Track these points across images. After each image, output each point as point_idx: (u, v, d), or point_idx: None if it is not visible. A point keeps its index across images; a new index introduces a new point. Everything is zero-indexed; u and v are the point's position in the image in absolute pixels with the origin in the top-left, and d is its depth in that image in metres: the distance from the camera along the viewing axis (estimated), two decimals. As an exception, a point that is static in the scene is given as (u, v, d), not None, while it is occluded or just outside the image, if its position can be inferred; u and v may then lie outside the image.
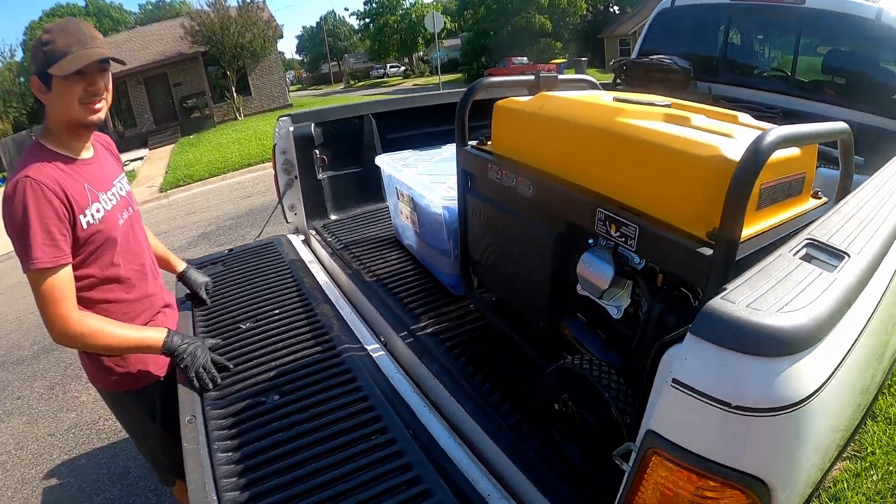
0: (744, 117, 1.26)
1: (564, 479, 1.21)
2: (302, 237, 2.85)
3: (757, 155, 0.83)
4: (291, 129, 2.80)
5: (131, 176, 13.37)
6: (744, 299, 0.71)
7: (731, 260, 0.89)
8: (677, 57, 3.35)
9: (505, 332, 1.68)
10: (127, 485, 2.85)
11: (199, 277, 2.13)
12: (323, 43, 63.64)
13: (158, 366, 1.70)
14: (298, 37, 79.04)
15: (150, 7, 60.96)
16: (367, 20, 48.51)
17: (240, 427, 1.44)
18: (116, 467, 2.99)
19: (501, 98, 1.60)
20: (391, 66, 52.23)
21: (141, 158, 16.58)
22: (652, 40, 3.75)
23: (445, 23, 30.42)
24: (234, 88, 23.05)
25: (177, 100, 22.48)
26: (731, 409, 0.64)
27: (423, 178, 2.11)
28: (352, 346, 1.76)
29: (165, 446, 1.74)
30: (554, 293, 1.40)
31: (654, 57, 3.38)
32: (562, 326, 1.42)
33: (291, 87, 39.77)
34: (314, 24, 75.06)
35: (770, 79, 3.40)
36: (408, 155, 2.48)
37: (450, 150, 2.53)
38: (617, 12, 39.86)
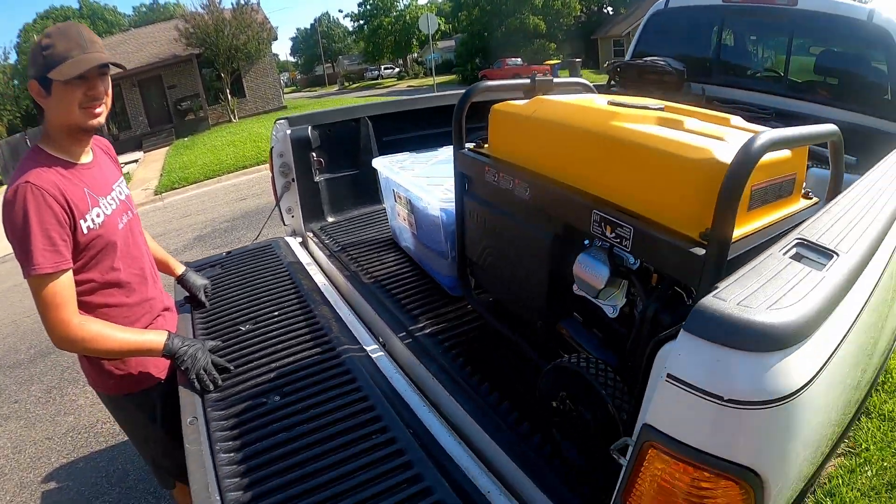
0: (736, 120, 1.29)
1: (563, 477, 1.23)
2: (299, 239, 2.87)
3: (747, 158, 0.86)
4: (288, 131, 2.82)
5: (126, 178, 13.29)
6: (735, 297, 0.74)
7: (723, 259, 0.92)
8: (671, 59, 3.38)
9: (502, 333, 1.70)
10: (126, 488, 2.86)
11: (198, 280, 2.14)
12: (317, 45, 63.60)
13: (158, 368, 1.70)
14: (293, 39, 79.10)
15: (144, 9, 60.80)
16: (362, 22, 48.46)
17: (241, 428, 1.45)
18: (115, 470, 2.99)
19: (497, 101, 1.63)
20: (385, 68, 52.21)
21: (135, 161, 16.54)
22: (646, 42, 3.78)
23: (439, 24, 30.48)
24: (228, 90, 23.05)
25: (171, 102, 22.44)
26: (723, 403, 0.67)
27: (421, 181, 2.13)
28: (351, 347, 1.77)
29: (166, 449, 1.75)
30: (551, 293, 1.42)
31: (648, 59, 3.41)
32: (559, 326, 1.45)
33: (286, 89, 39.80)
34: (308, 26, 75.13)
35: (763, 80, 3.43)
36: (405, 157, 2.50)
37: (446, 152, 2.55)
38: (611, 13, 39.99)
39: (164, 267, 2.02)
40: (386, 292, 2.14)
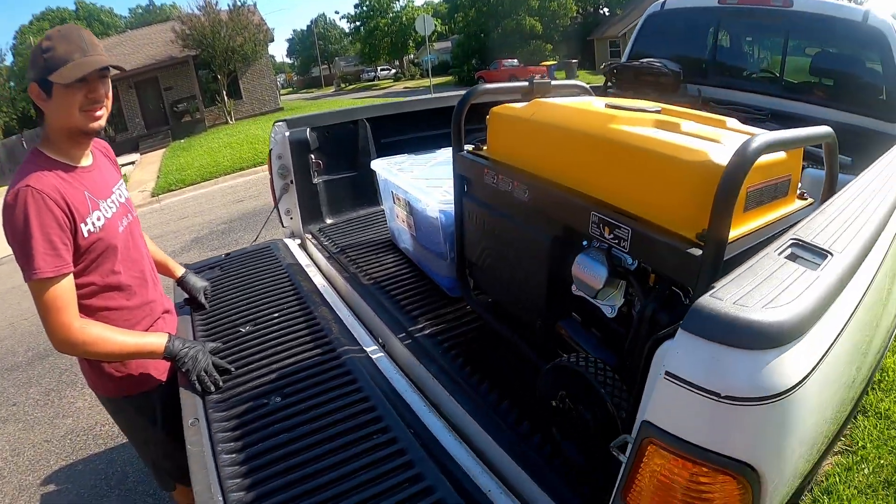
0: (731, 122, 1.31)
1: (562, 475, 1.25)
2: (298, 241, 2.88)
3: (743, 160, 0.88)
4: (287, 133, 2.82)
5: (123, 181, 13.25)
6: (731, 296, 0.75)
7: (720, 260, 0.94)
8: (667, 60, 3.40)
9: (501, 333, 1.72)
10: (125, 490, 2.86)
11: (198, 282, 2.15)
12: (313, 46, 63.60)
13: (159, 371, 1.71)
14: (289, 40, 79.07)
15: (141, 11, 60.73)
16: (358, 23, 48.48)
17: (243, 429, 1.46)
18: (114, 473, 2.99)
19: (494, 103, 1.64)
20: (382, 69, 52.25)
21: (132, 163, 16.50)
22: (642, 43, 3.80)
23: (436, 26, 30.47)
24: (225, 92, 23.03)
25: (168, 104, 22.41)
26: (720, 399, 0.68)
27: (420, 183, 2.14)
28: (351, 348, 1.78)
29: (166, 451, 1.76)
30: (550, 294, 1.43)
31: (645, 60, 3.43)
32: (557, 326, 1.46)
33: (282, 91, 39.73)
34: (304, 28, 75.18)
35: (759, 81, 3.45)
36: (403, 159, 2.51)
37: (445, 154, 2.57)
38: (607, 14, 40.11)
39: (163, 269, 2.02)
40: (385, 293, 2.15)
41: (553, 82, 1.80)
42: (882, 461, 2.30)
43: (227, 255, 2.66)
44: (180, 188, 11.61)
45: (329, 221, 3.02)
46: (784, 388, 0.69)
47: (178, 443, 1.54)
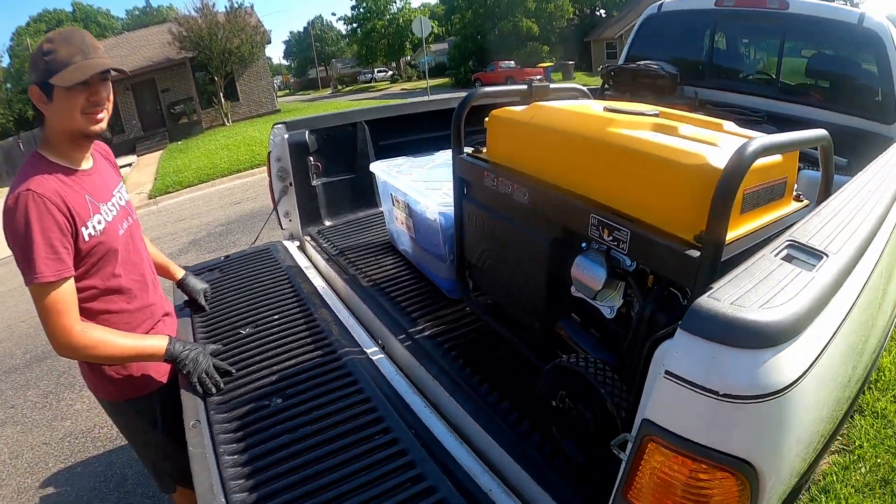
0: (728, 125, 1.33)
1: (563, 474, 1.26)
2: (297, 243, 2.89)
3: (740, 163, 0.90)
4: (286, 136, 2.83)
5: (120, 183, 13.23)
6: (729, 297, 0.77)
7: (717, 261, 0.95)
8: (664, 62, 3.42)
9: (501, 334, 1.73)
10: (124, 492, 2.86)
11: (198, 284, 2.15)
12: (310, 48, 63.57)
13: (159, 373, 1.71)
14: (286, 42, 79.01)
15: (138, 13, 60.67)
16: (355, 25, 48.51)
17: (245, 430, 1.46)
18: (113, 475, 2.99)
19: (492, 105, 1.66)
20: (379, 71, 52.26)
21: (129, 165, 16.50)
22: (639, 45, 3.82)
23: (432, 27, 30.53)
24: (222, 94, 23.00)
25: (165, 106, 22.38)
26: (719, 397, 0.70)
27: (419, 185, 2.15)
28: (352, 349, 1.79)
29: (167, 453, 1.76)
30: (549, 295, 1.45)
31: (642, 63, 3.46)
32: (557, 327, 1.47)
33: (279, 93, 39.72)
34: (301, 30, 75.02)
35: (755, 83, 3.47)
36: (402, 162, 2.52)
37: (443, 156, 2.58)
38: (603, 16, 40.23)
39: (163, 272, 2.02)
40: (385, 295, 2.16)
41: (552, 85, 1.81)
42: (879, 460, 2.31)
43: (227, 257, 2.67)
44: (177, 190, 11.59)
45: (328, 223, 3.03)
46: (781, 387, 0.70)
47: (178, 445, 1.54)
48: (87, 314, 1.48)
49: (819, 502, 2.16)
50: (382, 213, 2.74)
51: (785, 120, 2.86)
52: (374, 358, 1.77)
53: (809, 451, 0.93)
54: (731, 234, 1.02)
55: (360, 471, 1.30)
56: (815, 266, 0.88)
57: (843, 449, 2.42)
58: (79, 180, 1.48)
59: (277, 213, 2.95)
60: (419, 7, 51.95)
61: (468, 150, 1.75)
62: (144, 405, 1.70)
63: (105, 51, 1.48)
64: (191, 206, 10.10)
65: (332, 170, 3.05)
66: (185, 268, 2.20)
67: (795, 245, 0.94)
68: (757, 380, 0.70)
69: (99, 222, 1.49)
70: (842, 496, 2.16)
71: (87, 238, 1.44)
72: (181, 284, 2.12)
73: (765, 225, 1.16)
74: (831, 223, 1.06)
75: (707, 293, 0.79)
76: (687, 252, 1.01)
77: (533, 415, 1.43)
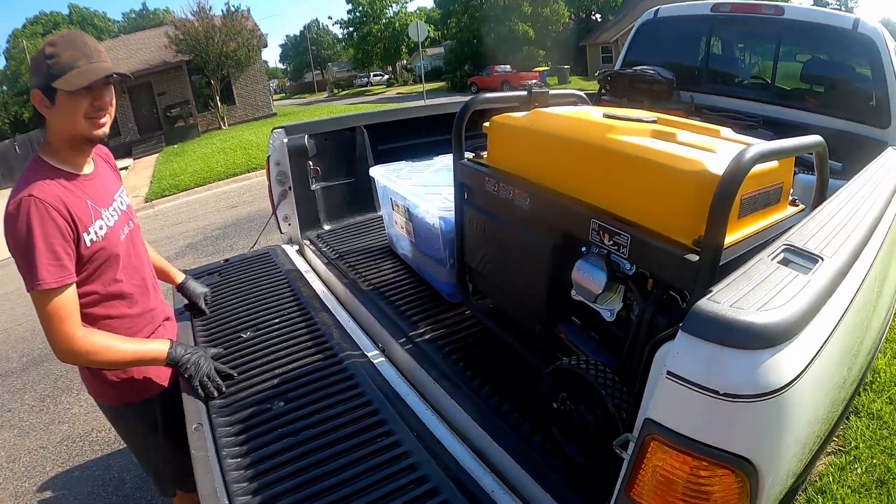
0: (725, 131, 1.35)
1: (564, 475, 1.28)
2: (296, 247, 2.90)
3: (738, 169, 0.92)
4: (286, 140, 2.85)
5: (116, 186, 13.18)
6: (728, 300, 0.79)
7: (716, 265, 0.98)
8: (660, 67, 3.45)
9: (501, 337, 1.74)
10: (123, 496, 2.85)
11: (198, 288, 2.15)
12: (306, 52, 63.64)
13: (160, 377, 1.71)
14: (282, 45, 78.90)
15: (134, 16, 60.56)
16: (351, 29, 48.53)
17: (247, 434, 1.47)
18: (111, 479, 2.99)
19: (490, 111, 1.68)
20: (375, 75, 52.29)
21: (125, 168, 16.45)
22: (636, 51, 3.85)
23: (429, 31, 30.63)
24: (218, 97, 22.97)
25: (161, 109, 22.33)
26: (719, 396, 0.72)
27: (419, 190, 2.17)
28: (353, 352, 1.80)
29: (167, 457, 1.75)
30: (550, 298, 1.46)
31: (638, 68, 3.48)
32: (557, 330, 1.49)
33: (275, 96, 39.70)
34: (297, 33, 75.16)
35: (751, 87, 3.50)
36: (402, 166, 2.54)
37: (442, 160, 2.60)
38: (599, 20, 40.42)
39: (163, 275, 2.02)
40: (385, 299, 2.17)
41: (551, 91, 1.83)
42: (875, 461, 2.34)
43: (226, 260, 2.67)
44: (174, 193, 11.57)
45: (327, 228, 3.04)
46: (779, 386, 0.73)
47: (178, 449, 1.55)
48: (89, 320, 1.48)
49: (816, 503, 2.18)
50: (380, 217, 2.76)
51: (780, 124, 2.89)
52: (375, 361, 1.78)
53: (806, 451, 0.95)
54: (729, 239, 1.05)
55: (362, 473, 1.31)
56: (811, 269, 0.90)
57: (839, 450, 2.44)
58: (80, 185, 1.47)
59: (277, 216, 2.96)
60: (415, 11, 52.04)
61: (469, 155, 1.76)
62: (145, 409, 1.70)
63: (102, 54, 1.47)
64: (187, 210, 10.09)
65: (331, 174, 3.07)
66: (185, 271, 2.21)
67: (792, 249, 0.96)
68: (756, 379, 0.72)
69: (100, 227, 1.48)
70: (838, 497, 2.18)
71: (88, 244, 1.43)
72: (181, 288, 2.12)
73: (762, 229, 1.19)
74: (826, 227, 1.08)
75: (707, 296, 0.81)
76: (686, 256, 1.03)
77: (534, 417, 1.45)
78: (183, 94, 22.48)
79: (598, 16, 41.33)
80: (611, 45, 30.13)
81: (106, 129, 1.48)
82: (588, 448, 1.24)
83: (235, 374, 1.71)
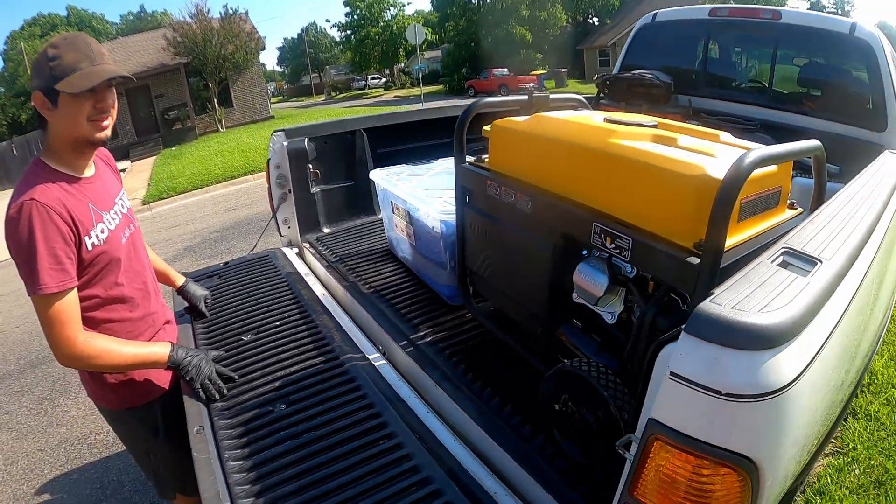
0: (725, 136, 1.36)
1: (565, 476, 1.28)
2: (296, 250, 2.90)
3: (738, 174, 0.93)
4: (286, 143, 2.85)
5: (113, 189, 13.16)
6: (729, 302, 0.80)
7: (717, 268, 0.99)
8: (658, 71, 3.48)
9: (503, 340, 1.75)
10: (122, 499, 2.85)
11: (199, 291, 2.15)
12: (304, 54, 63.74)
13: (160, 381, 1.70)
14: (280, 48, 79.00)
15: (132, 18, 60.60)
16: (349, 32, 48.58)
17: (249, 436, 1.47)
18: (110, 481, 2.98)
19: (490, 114, 1.69)
20: (372, 78, 52.31)
21: (123, 170, 16.44)
22: (634, 55, 3.88)
23: (426, 35, 30.64)
24: (216, 100, 22.96)
25: (158, 111, 22.32)
26: (721, 396, 0.73)
27: (419, 193, 2.18)
28: (354, 355, 1.81)
29: (168, 460, 1.75)
30: (551, 301, 1.47)
31: (636, 72, 3.51)
32: (558, 332, 1.50)
33: (272, 99, 39.74)
34: (295, 36, 75.23)
35: (748, 91, 3.53)
36: (402, 170, 2.55)
37: (442, 164, 2.61)
38: (596, 24, 40.55)
39: (164, 278, 2.01)
40: (385, 302, 2.17)
41: (552, 96, 1.84)
42: (872, 462, 2.35)
43: (226, 263, 2.67)
44: (171, 196, 11.55)
45: (326, 230, 3.05)
46: (779, 386, 0.74)
47: (179, 452, 1.54)
48: (90, 323, 1.47)
49: (814, 504, 2.20)
50: (380, 220, 2.76)
51: (778, 128, 2.91)
52: (376, 364, 1.78)
53: (804, 452, 0.97)
54: (729, 242, 1.06)
55: (365, 475, 1.31)
56: (809, 272, 0.92)
57: (837, 451, 2.45)
58: (81, 188, 1.47)
59: (276, 219, 2.97)
60: (413, 14, 52.11)
61: (470, 159, 1.77)
62: (146, 413, 1.69)
63: (101, 56, 1.47)
64: (185, 213, 10.07)
65: (331, 177, 3.08)
66: (185, 274, 2.21)
67: (791, 252, 0.98)
68: (757, 379, 0.73)
69: (102, 231, 1.48)
70: (836, 498, 2.20)
71: (90, 247, 1.43)
72: (181, 291, 2.12)
73: (761, 232, 1.20)
74: (825, 230, 1.09)
75: (709, 298, 0.82)
76: (687, 259, 1.04)
77: (535, 419, 1.46)
78: (180, 97, 22.47)
79: (595, 19, 41.47)
80: (608, 48, 30.22)
81: (108, 132, 1.48)
82: (587, 448, 1.25)
83: (237, 377, 1.71)
